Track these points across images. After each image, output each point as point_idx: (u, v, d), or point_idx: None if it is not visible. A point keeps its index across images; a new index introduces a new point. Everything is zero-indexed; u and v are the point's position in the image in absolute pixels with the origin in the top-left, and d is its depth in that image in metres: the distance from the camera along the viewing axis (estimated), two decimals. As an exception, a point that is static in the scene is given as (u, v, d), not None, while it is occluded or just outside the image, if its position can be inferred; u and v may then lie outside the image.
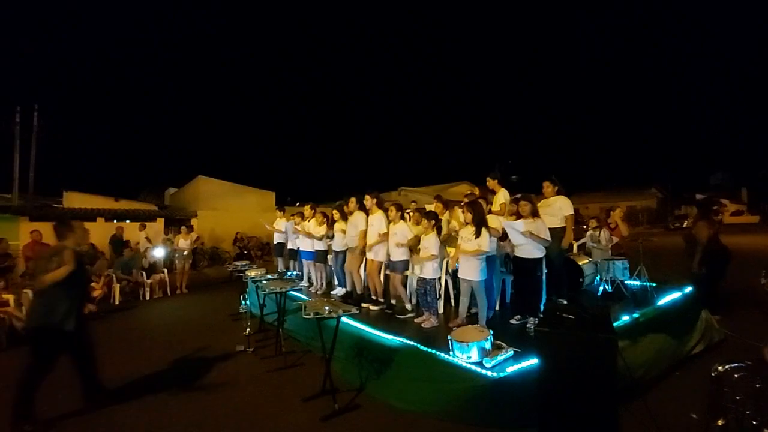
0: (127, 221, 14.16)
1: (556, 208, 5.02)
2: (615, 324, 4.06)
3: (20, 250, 8.58)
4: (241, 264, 7.31)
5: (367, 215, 5.62)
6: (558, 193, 5.12)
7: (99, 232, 11.18)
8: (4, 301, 6.01)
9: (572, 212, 5.06)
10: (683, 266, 6.24)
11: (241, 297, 7.20)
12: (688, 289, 5.64)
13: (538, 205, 4.92)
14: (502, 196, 5.32)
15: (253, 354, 5.03)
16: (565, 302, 4.74)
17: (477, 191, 5.75)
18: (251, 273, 6.12)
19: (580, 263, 5.89)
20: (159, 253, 10.21)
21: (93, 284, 7.68)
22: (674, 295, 5.41)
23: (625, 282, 5.92)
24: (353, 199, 5.92)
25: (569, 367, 2.50)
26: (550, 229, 4.56)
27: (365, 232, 5.52)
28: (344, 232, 5.92)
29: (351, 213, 5.87)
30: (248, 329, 5.44)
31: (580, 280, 5.81)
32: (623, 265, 6.25)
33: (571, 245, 5.91)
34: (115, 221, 14.51)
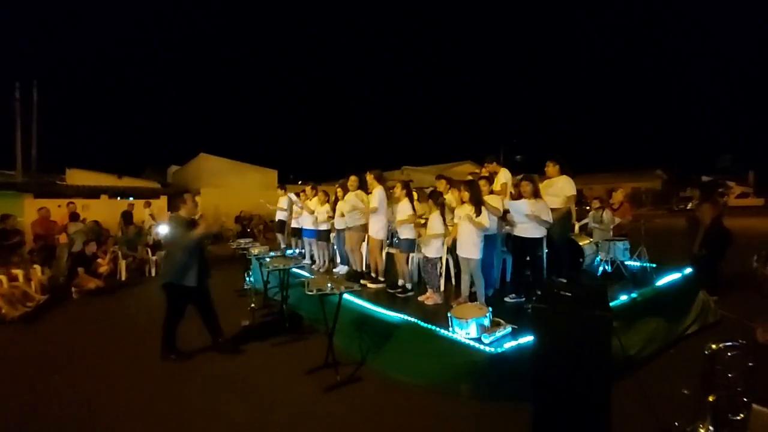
0: (131, 198, 14.24)
1: (558, 188, 5.01)
2: (613, 303, 4.14)
3: (29, 226, 8.68)
4: (245, 242, 7.39)
5: (368, 194, 5.64)
6: (562, 173, 5.10)
7: (103, 209, 11.30)
8: (14, 275, 6.13)
9: (574, 192, 5.05)
10: (684, 248, 6.26)
11: (245, 274, 7.30)
12: (688, 271, 5.68)
13: (541, 185, 4.92)
14: (503, 176, 5.30)
15: (258, 328, 5.15)
16: (564, 281, 4.80)
17: (481, 171, 5.73)
18: (255, 250, 6.20)
19: (581, 243, 5.93)
20: (163, 230, 10.29)
21: (99, 260, 7.80)
22: (673, 276, 5.45)
23: (626, 262, 5.97)
24: (354, 177, 5.92)
25: (564, 343, 2.55)
26: (552, 209, 4.57)
27: (366, 210, 5.56)
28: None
29: (352, 191, 5.89)
30: (253, 305, 5.55)
31: (581, 260, 5.86)
32: (624, 245, 6.28)
33: (573, 225, 5.93)
34: (118, 198, 14.60)
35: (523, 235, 4.53)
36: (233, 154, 20.31)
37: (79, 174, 16.94)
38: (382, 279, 5.57)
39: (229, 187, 17.87)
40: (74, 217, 9.34)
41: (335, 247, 6.68)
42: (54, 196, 12.34)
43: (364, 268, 5.99)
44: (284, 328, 4.99)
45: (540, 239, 4.52)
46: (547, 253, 4.83)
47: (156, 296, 7.32)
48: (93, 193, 14.35)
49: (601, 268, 5.86)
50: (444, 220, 4.88)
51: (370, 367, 4.00)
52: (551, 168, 5.13)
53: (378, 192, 5.41)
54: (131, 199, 13.66)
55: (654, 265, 5.89)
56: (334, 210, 6.36)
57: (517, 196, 4.80)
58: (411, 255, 5.39)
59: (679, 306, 4.83)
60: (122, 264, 8.61)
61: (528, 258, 4.61)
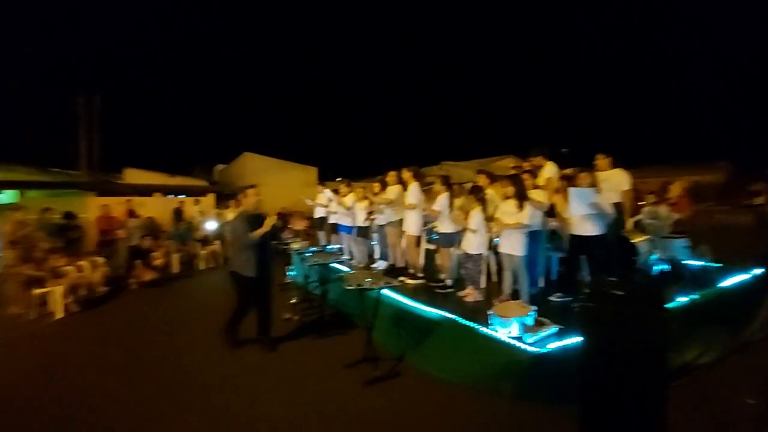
0: (181, 196, 15.07)
1: (613, 183, 4.66)
2: (670, 305, 3.85)
3: (93, 222, 9.46)
4: (287, 237, 7.60)
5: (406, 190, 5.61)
6: (614, 166, 4.78)
7: (157, 206, 12.01)
8: (79, 266, 6.67)
9: (631, 187, 4.74)
10: (753, 246, 5.71)
11: (286, 268, 7.51)
12: (757, 272, 5.17)
13: None
14: (548, 170, 5.07)
15: (299, 321, 5.28)
16: (615, 280, 4.51)
17: (524, 164, 5.53)
18: (295, 245, 6.36)
19: (634, 241, 5.55)
20: (211, 225, 10.81)
21: (154, 254, 8.32)
22: (739, 278, 4.98)
23: (685, 262, 5.53)
24: (392, 174, 5.92)
25: (615, 345, 2.39)
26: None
27: (403, 206, 5.54)
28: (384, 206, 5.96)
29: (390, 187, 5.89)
30: (294, 298, 5.69)
31: (634, 258, 5.49)
32: (683, 243, 5.81)
33: (625, 221, 5.57)
34: (170, 196, 15.50)
35: (581, 233, 4.23)
36: (275, 153, 20.91)
37: (135, 173, 18.13)
38: (420, 275, 5.53)
39: (271, 184, 18.40)
40: (132, 213, 10.01)
41: (374, 242, 6.70)
42: (113, 194, 13.30)
43: (403, 264, 5.97)
44: (324, 322, 5.08)
45: (600, 237, 4.20)
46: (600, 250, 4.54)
47: (204, 288, 7.79)
48: (147, 191, 15.31)
49: (657, 268, 5.47)
50: (485, 216, 4.75)
51: (409, 362, 3.97)
52: (602, 161, 4.80)
53: (414, 188, 5.37)
54: (181, 196, 14.46)
55: (718, 265, 5.42)
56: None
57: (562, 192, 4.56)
58: (451, 251, 5.30)
59: (745, 310, 4.42)
60: (174, 257, 9.13)
61: (584, 257, 4.34)
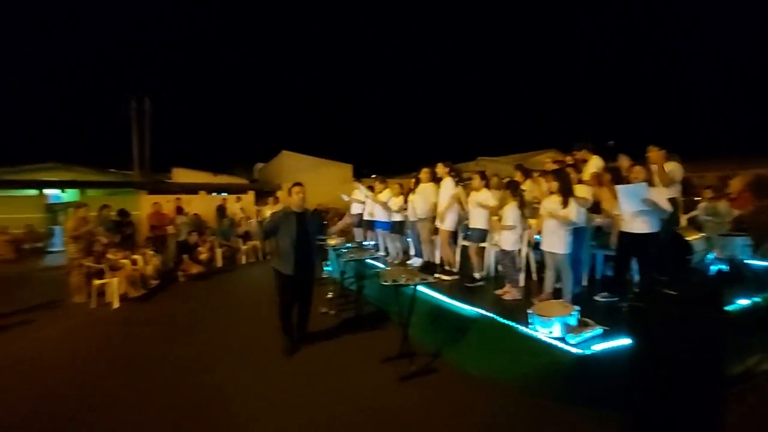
0: (224, 194, 15.74)
1: (666, 175, 4.39)
2: (729, 307, 3.57)
3: (145, 219, 10.12)
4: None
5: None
6: (668, 159, 4.48)
7: (202, 204, 12.63)
8: (133, 260, 7.14)
9: (680, 179, 4.44)
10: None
11: (323, 263, 7.65)
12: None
13: None
14: (593, 165, 4.83)
15: (335, 316, 5.37)
16: (666, 279, 4.23)
17: (567, 158, 5.31)
18: (332, 242, 6.46)
19: (689, 238, 5.19)
20: (252, 222, 11.22)
21: (200, 249, 8.75)
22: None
23: (746, 261, 5.11)
24: (426, 170, 5.88)
25: (668, 348, 2.25)
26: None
27: (436, 202, 5.49)
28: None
29: (424, 183, 5.86)
30: (330, 293, 5.80)
31: (688, 257, 5.13)
32: (744, 241, 5.37)
33: (678, 218, 5.22)
34: (213, 194, 16.23)
35: (632, 231, 3.97)
36: (311, 150, 21.35)
37: (182, 172, 19.15)
38: (455, 271, 5.46)
39: (308, 182, 18.75)
40: (179, 210, 10.60)
41: (409, 238, 6.69)
42: (163, 192, 14.12)
43: (437, 261, 5.92)
44: (360, 317, 5.13)
45: (653, 235, 3.93)
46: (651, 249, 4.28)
47: (245, 281, 8.11)
48: (193, 189, 16.14)
49: (714, 267, 5.08)
50: (522, 212, 4.62)
51: (446, 359, 3.94)
52: (655, 153, 4.48)
53: (448, 183, 5.31)
54: (224, 194, 15.11)
55: (786, 266, 4.96)
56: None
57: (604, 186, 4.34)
58: (485, 246, 5.20)
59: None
60: (218, 252, 9.56)
61: (635, 257, 4.10)
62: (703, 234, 5.48)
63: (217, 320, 5.56)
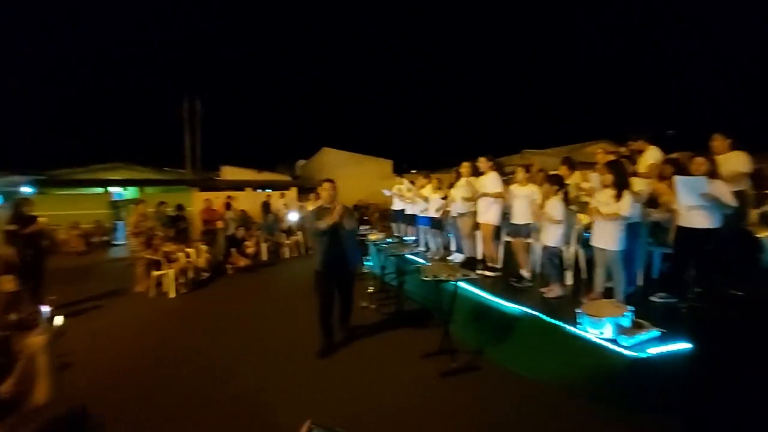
0: (268, 190, 16.32)
1: (731, 166, 4.00)
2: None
3: (197, 214, 10.75)
4: (363, 228, 7.84)
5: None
6: (733, 148, 4.10)
7: (248, 200, 13.17)
8: (187, 253, 7.60)
9: (749, 170, 4.04)
10: None
11: (364, 258, 7.75)
12: None
13: None
14: (650, 156, 4.52)
15: (376, 311, 5.42)
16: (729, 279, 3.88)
17: (620, 149, 5.01)
18: (372, 237, 6.53)
19: (759, 235, 4.74)
20: (294, 217, 11.56)
21: (247, 243, 9.15)
22: None
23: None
24: (466, 164, 5.77)
25: (731, 351, 2.07)
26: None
27: (477, 197, 5.38)
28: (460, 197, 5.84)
29: (465, 177, 5.75)
30: (371, 288, 5.87)
31: (758, 255, 4.69)
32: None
33: (747, 213, 4.77)
34: (258, 190, 16.87)
35: (691, 225, 3.69)
36: (351, 146, 21.60)
37: (230, 170, 20.06)
38: (499, 267, 5.34)
39: (348, 177, 19.07)
40: (228, 206, 11.13)
41: (450, 234, 6.62)
42: (213, 189, 14.87)
43: (479, 256, 5.81)
44: (401, 312, 5.15)
45: (714, 231, 3.62)
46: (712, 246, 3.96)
47: (289, 273, 8.40)
48: (239, 186, 16.87)
49: (789, 267, 4.61)
50: (568, 206, 4.42)
51: (489, 357, 3.87)
52: (719, 142, 4.11)
53: (492, 177, 5.18)
54: (268, 190, 15.67)
55: None
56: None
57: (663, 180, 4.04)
58: (531, 243, 5.03)
59: None
60: (263, 246, 9.95)
61: (694, 252, 3.78)
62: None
63: (264, 311, 5.80)
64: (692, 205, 3.61)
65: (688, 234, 3.73)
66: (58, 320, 1.43)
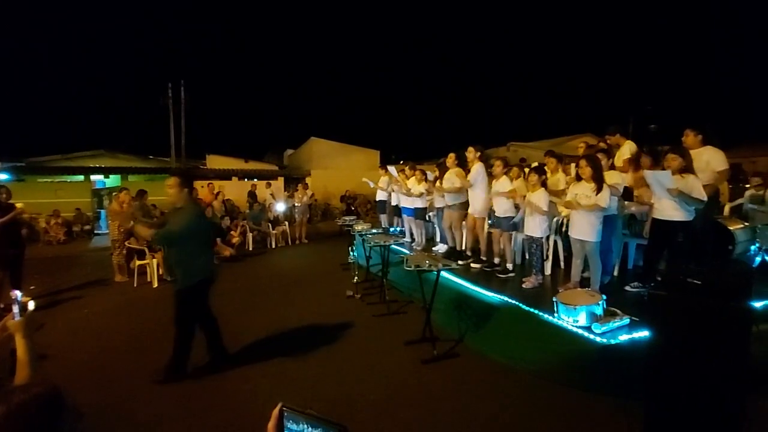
0: (255, 180, 16.17)
1: (703, 162, 4.10)
2: (765, 302, 3.39)
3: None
4: (349, 219, 7.86)
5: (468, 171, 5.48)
6: (705, 144, 4.21)
7: (234, 189, 13.05)
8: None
9: (726, 167, 4.15)
10: None
11: (350, 249, 7.79)
12: None
13: None
14: (627, 150, 4.63)
15: (361, 300, 5.48)
16: (692, 267, 4.01)
17: (599, 143, 5.10)
18: (358, 227, 6.56)
19: (731, 228, 4.91)
20: (281, 207, 11.50)
21: (232, 232, 9.10)
22: None
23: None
24: (452, 155, 5.80)
25: (687, 339, 2.17)
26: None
27: (461, 188, 5.44)
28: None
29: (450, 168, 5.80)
30: (356, 278, 5.92)
31: (730, 247, 4.86)
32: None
33: (720, 206, 4.93)
34: (245, 180, 16.69)
35: (664, 218, 3.81)
36: (339, 136, 21.47)
37: (216, 159, 19.77)
38: (483, 258, 5.43)
39: (336, 168, 19.02)
40: (215, 195, 11.02)
41: (435, 225, 6.69)
42: (198, 178, 14.67)
43: (462, 247, 5.90)
44: (384, 301, 5.22)
45: (683, 223, 3.74)
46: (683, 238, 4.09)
47: (274, 264, 8.40)
48: (226, 175, 16.67)
49: (758, 259, 4.80)
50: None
51: (468, 345, 3.97)
52: (691, 137, 4.21)
53: (477, 168, 5.24)
54: (255, 180, 15.53)
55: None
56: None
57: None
58: (513, 234, 5.13)
59: None
60: (249, 236, 9.90)
61: (665, 244, 3.92)
62: (747, 224, 5.16)
63: (247, 301, 5.80)
64: (665, 198, 3.72)
65: (661, 226, 3.85)
66: (31, 305, 1.43)
